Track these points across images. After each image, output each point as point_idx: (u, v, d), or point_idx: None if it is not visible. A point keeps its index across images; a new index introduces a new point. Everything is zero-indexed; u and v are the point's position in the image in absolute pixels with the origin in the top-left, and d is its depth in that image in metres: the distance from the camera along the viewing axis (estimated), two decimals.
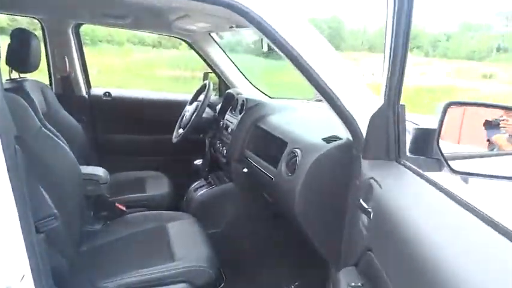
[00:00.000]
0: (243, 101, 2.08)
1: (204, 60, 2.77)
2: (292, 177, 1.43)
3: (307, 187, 1.38)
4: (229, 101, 2.45)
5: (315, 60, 1.17)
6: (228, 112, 2.27)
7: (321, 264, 1.49)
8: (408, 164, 1.08)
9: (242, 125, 2.01)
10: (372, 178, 1.04)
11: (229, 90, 2.62)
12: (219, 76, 2.78)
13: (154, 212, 1.96)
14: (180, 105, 2.70)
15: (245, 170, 1.94)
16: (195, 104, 2.39)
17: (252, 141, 1.96)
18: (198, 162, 2.14)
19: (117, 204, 1.96)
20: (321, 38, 1.22)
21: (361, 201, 1.06)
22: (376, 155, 1.13)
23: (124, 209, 1.95)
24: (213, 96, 2.93)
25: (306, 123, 1.79)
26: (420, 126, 1.16)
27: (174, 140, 2.39)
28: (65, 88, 2.58)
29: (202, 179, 2.28)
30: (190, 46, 2.73)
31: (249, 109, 2.03)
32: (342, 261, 1.26)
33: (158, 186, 2.37)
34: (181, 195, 2.46)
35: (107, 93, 2.71)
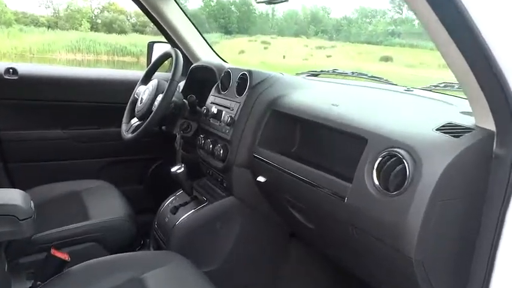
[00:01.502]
0: (244, 75, 1.34)
1: (158, 26, 1.94)
2: (400, 199, 0.79)
3: (434, 214, 0.76)
4: (204, 76, 1.69)
5: None
6: (213, 93, 1.51)
7: None
8: None
9: (249, 111, 1.28)
10: None
11: (198, 63, 1.84)
12: (175, 45, 1.97)
13: (117, 256, 1.18)
14: (126, 87, 1.86)
15: (261, 179, 1.23)
16: (153, 82, 1.59)
17: (270, 135, 1.26)
18: (179, 169, 1.35)
19: (53, 251, 1.12)
20: None
21: None
22: None
23: (66, 258, 1.12)
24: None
25: (371, 106, 1.14)
26: None
27: (127, 135, 1.56)
28: None
29: (181, 192, 1.49)
30: (140, 6, 1.88)
31: (255, 87, 1.30)
32: None
33: (106, 204, 1.54)
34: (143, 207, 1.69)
35: (11, 70, 1.73)
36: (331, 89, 1.45)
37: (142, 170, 2.07)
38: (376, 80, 1.58)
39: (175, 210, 1.40)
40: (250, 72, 1.33)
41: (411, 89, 1.35)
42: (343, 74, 1.72)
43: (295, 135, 1.27)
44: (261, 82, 1.31)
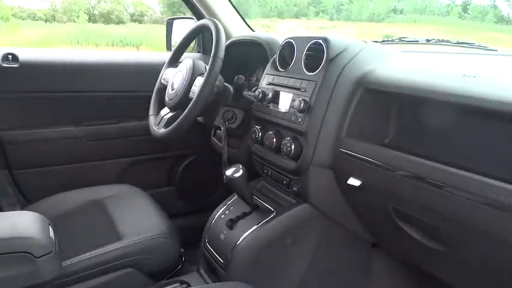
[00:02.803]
0: (318, 44, 0.99)
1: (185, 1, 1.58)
2: None
3: None
4: (243, 53, 1.35)
5: None
6: (268, 71, 1.15)
7: None
8: None
9: (330, 91, 0.93)
10: None
11: (237, 38, 1.49)
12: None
13: None
14: (148, 71, 1.52)
15: (355, 182, 0.89)
16: (187, 63, 1.24)
17: (363, 121, 0.92)
18: (235, 172, 1.00)
19: None
20: None
21: None
22: None
23: None
24: (196, 53, 1.76)
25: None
26: None
27: (160, 131, 1.22)
28: None
29: (234, 199, 1.15)
30: None
31: (336, 59, 0.95)
32: None
33: (138, 217, 1.22)
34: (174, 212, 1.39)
35: (10, 56, 1.37)
36: (434, 59, 1.10)
37: (171, 169, 1.73)
38: (465, 46, 1.23)
39: (231, 224, 1.06)
40: (326, 40, 0.97)
41: None
42: (414, 42, 1.37)
43: (390, 121, 0.93)
44: (342, 52, 0.96)
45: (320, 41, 0.98)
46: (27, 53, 1.42)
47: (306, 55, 1.02)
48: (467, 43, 1.24)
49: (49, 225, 0.86)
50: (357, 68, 0.94)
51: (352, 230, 1.08)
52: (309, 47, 1.01)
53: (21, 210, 1.38)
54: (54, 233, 0.87)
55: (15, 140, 1.42)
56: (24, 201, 1.46)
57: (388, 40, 1.42)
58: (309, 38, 1.02)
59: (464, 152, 0.76)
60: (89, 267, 1.01)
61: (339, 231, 1.07)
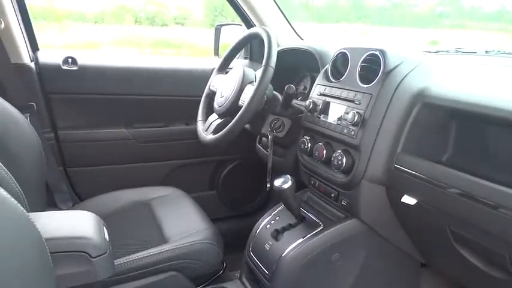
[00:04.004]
0: (373, 56, 0.96)
1: (233, 5, 1.59)
2: None
3: None
4: (292, 62, 1.34)
5: None
6: (320, 81, 1.14)
7: None
8: None
9: (386, 104, 0.91)
10: None
11: (286, 46, 1.49)
12: (250, 27, 1.62)
13: None
14: (197, 77, 1.55)
15: (410, 200, 0.85)
16: (236, 71, 1.25)
17: (419, 138, 0.88)
18: (284, 183, 0.99)
19: None
20: None
21: None
22: None
23: None
24: (243, 59, 1.77)
25: None
26: None
27: (208, 137, 1.24)
28: None
29: (280, 209, 1.14)
30: None
31: (392, 72, 0.92)
32: None
33: (183, 220, 1.23)
34: (215, 217, 1.39)
35: (70, 60, 1.44)
36: (496, 73, 1.04)
37: (214, 174, 1.75)
38: None
39: (277, 234, 1.05)
40: (383, 51, 0.94)
41: None
42: (471, 53, 1.31)
43: (448, 138, 0.89)
44: (400, 65, 0.93)
45: (377, 52, 0.95)
46: (85, 57, 1.48)
47: (361, 66, 0.99)
48: None
49: (104, 226, 0.89)
50: (415, 82, 0.90)
51: (401, 249, 1.04)
52: (364, 58, 0.99)
53: (73, 206, 1.44)
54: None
55: (71, 139, 1.49)
56: (76, 198, 1.52)
57: (443, 51, 1.37)
58: (365, 49, 0.99)
59: None
60: (138, 268, 1.03)
61: (388, 248, 1.04)
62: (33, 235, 0.57)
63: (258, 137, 1.47)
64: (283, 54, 1.47)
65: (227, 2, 1.60)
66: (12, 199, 0.53)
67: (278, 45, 1.56)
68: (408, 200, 0.86)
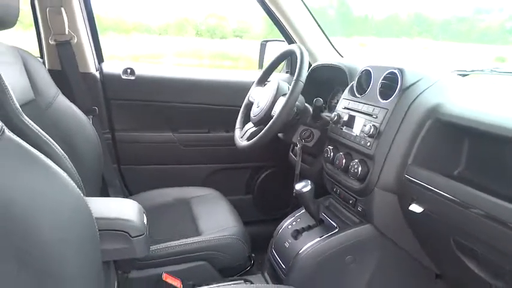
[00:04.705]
0: (393, 74, 1.05)
1: (274, 21, 1.73)
2: None
3: None
4: (326, 76, 1.44)
5: None
6: (346, 96, 1.24)
7: None
8: None
9: (400, 119, 0.99)
10: None
11: (321, 62, 1.59)
12: (291, 43, 1.74)
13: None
14: (239, 89, 1.69)
15: (416, 208, 0.92)
16: (272, 84, 1.38)
17: (430, 151, 0.95)
18: (304, 187, 1.11)
19: (165, 277, 0.96)
20: None
21: None
22: None
23: (178, 286, 0.95)
24: (285, 74, 1.90)
25: None
26: None
27: (243, 143, 1.37)
28: (63, 61, 1.53)
29: (302, 212, 1.25)
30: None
31: (409, 89, 1.00)
32: None
33: (217, 217, 1.37)
34: (248, 220, 1.52)
35: (129, 70, 1.66)
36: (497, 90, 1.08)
37: (251, 179, 1.88)
38: None
39: (296, 234, 1.16)
40: (401, 70, 1.03)
41: None
42: (508, 73, 1.33)
43: (461, 153, 0.94)
44: (416, 83, 1.01)
45: (395, 71, 1.04)
46: (142, 68, 1.69)
47: (382, 83, 1.08)
48: None
49: (144, 213, 1.05)
50: (429, 99, 0.97)
51: (415, 258, 1.09)
52: (384, 76, 1.08)
53: None
54: (147, 220, 1.06)
55: (125, 140, 1.70)
56: (127, 193, 1.73)
57: (477, 70, 1.39)
58: (386, 68, 1.08)
59: None
60: (171, 254, 1.18)
61: (401, 257, 1.10)
62: (86, 213, 0.73)
63: (292, 146, 1.58)
64: (319, 69, 1.59)
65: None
66: (74, 184, 0.69)
67: (316, 61, 1.68)
68: (415, 208, 0.93)
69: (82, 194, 0.72)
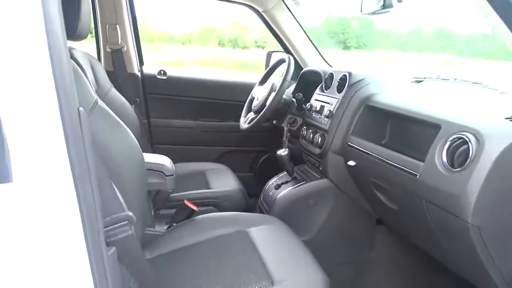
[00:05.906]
0: (344, 75, 1.58)
1: (274, 35, 2.28)
2: (462, 174, 0.94)
3: (491, 187, 0.90)
4: (311, 78, 1.96)
5: None
6: (317, 91, 1.77)
7: None
8: None
9: (345, 105, 1.51)
10: None
11: (307, 68, 2.13)
12: (289, 53, 2.29)
13: (230, 213, 1.51)
14: (245, 88, 2.23)
15: (351, 163, 1.44)
16: (268, 83, 1.91)
17: (362, 126, 1.47)
18: (283, 152, 1.64)
19: (186, 202, 1.50)
20: None
21: None
22: None
23: (195, 208, 1.49)
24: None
25: (450, 100, 1.28)
26: None
27: (244, 126, 1.91)
28: (115, 64, 2.13)
29: (284, 174, 1.78)
30: (260, 16, 2.24)
31: (353, 85, 1.53)
32: None
33: (224, 181, 1.91)
34: (251, 193, 2.01)
35: (162, 72, 2.25)
36: (422, 89, 1.59)
37: (254, 160, 2.42)
38: (478, 86, 1.66)
39: (278, 187, 1.69)
40: (350, 73, 1.56)
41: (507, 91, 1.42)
42: (444, 80, 1.82)
43: (385, 129, 1.45)
44: (359, 81, 1.53)
45: (346, 73, 1.57)
46: (172, 70, 2.28)
47: (338, 82, 1.61)
48: (479, 83, 1.67)
49: (172, 163, 1.59)
50: (365, 92, 1.49)
51: (360, 205, 1.60)
52: (340, 77, 1.60)
53: None
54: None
55: (158, 125, 2.28)
56: None
57: (429, 77, 1.89)
58: (341, 71, 1.61)
59: (410, 145, 1.26)
60: (190, 199, 1.71)
61: (350, 203, 1.60)
62: (141, 158, 1.25)
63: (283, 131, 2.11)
64: (307, 73, 2.12)
65: None
66: (136, 141, 1.20)
67: (305, 66, 2.22)
68: (351, 163, 1.44)
69: (139, 147, 1.25)
